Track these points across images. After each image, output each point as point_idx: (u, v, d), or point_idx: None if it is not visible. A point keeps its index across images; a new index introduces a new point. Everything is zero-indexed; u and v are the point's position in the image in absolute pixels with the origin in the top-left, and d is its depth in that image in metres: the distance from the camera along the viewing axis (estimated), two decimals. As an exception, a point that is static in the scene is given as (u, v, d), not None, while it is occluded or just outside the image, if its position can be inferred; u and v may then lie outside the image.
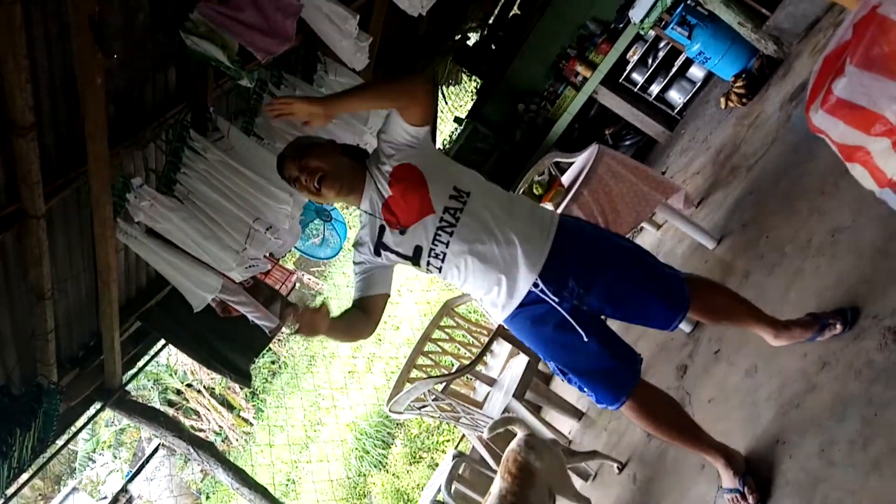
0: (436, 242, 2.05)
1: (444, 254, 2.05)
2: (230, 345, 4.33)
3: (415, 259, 2.09)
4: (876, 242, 2.30)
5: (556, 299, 2.05)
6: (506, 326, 2.22)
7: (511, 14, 7.60)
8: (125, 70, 3.02)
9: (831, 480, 1.83)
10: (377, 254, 2.13)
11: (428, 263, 2.09)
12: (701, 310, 2.24)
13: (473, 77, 8.17)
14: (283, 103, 1.98)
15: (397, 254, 2.11)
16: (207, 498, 12.40)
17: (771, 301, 2.72)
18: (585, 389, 2.16)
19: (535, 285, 2.05)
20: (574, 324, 2.06)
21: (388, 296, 2.21)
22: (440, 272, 2.11)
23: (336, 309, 2.08)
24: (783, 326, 2.26)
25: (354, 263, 2.21)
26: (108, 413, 5.61)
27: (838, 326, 2.15)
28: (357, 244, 2.20)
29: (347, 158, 2.15)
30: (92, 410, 4.47)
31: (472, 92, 8.37)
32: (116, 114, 3.09)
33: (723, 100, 4.95)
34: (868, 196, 2.44)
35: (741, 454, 2.21)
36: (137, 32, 2.93)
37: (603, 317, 2.22)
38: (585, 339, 2.07)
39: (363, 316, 2.16)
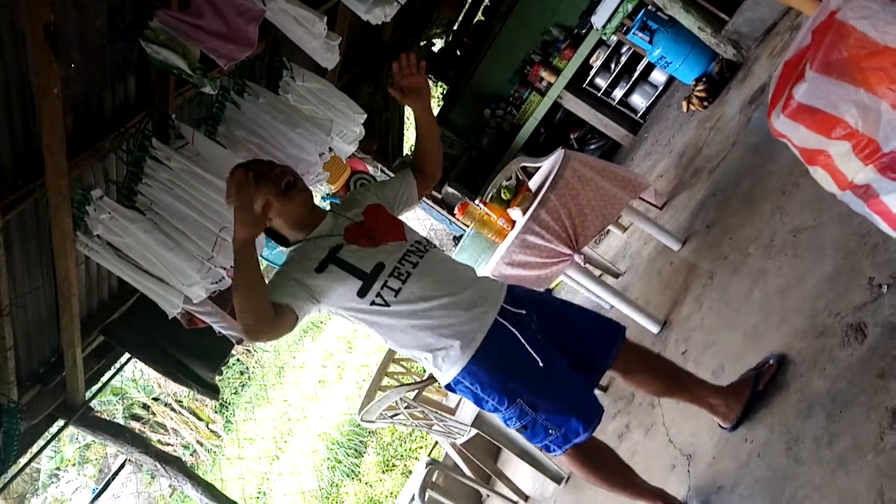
0: (403, 262, 1.96)
1: (409, 274, 1.95)
2: (195, 357, 4.25)
3: (370, 276, 1.93)
4: (837, 240, 2.34)
5: (522, 312, 2.02)
6: (460, 379, 1.99)
7: (475, 20, 7.63)
8: (83, 79, 2.96)
9: (799, 478, 1.85)
10: (320, 269, 1.94)
11: (384, 284, 1.93)
12: (644, 368, 2.21)
13: (439, 83, 8.18)
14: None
15: (351, 269, 1.94)
16: (176, 513, 12.16)
17: (735, 300, 2.77)
18: (547, 431, 2.00)
19: (500, 313, 1.99)
20: (535, 348, 1.97)
21: (296, 320, 1.92)
22: (396, 296, 1.93)
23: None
24: (721, 394, 2.23)
25: (281, 271, 2.02)
26: (71, 429, 5.48)
27: (772, 362, 2.19)
28: (290, 262, 2.03)
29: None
30: (55, 428, 4.36)
31: (438, 98, 8.38)
32: (75, 124, 3.02)
33: (684, 103, 5.03)
34: (828, 195, 2.48)
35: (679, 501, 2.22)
36: (95, 41, 2.87)
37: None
38: (541, 364, 1.96)
39: (264, 302, 1.87)
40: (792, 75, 1.48)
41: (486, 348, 1.96)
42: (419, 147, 2.23)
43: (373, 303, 1.94)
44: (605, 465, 2.15)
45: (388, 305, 1.94)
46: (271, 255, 5.90)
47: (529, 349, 1.96)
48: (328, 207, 2.19)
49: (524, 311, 2.02)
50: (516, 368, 1.97)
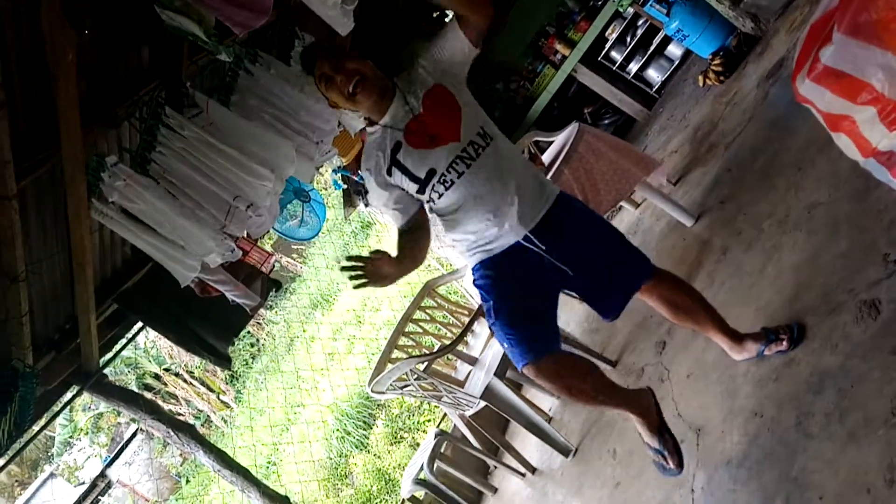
0: (450, 170, 2.08)
1: (453, 182, 2.09)
2: (208, 326, 4.28)
3: (424, 182, 2.11)
4: (851, 217, 2.33)
5: (543, 247, 2.11)
6: (477, 268, 2.22)
7: (490, -8, 7.54)
8: (97, 46, 2.95)
9: (808, 452, 1.86)
10: (389, 173, 2.15)
11: (433, 188, 2.12)
12: (666, 302, 2.29)
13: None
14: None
15: (408, 174, 2.12)
16: (187, 482, 12.36)
17: (748, 276, 2.76)
18: (508, 342, 2.19)
19: (525, 238, 2.11)
20: (554, 264, 2.13)
21: (423, 203, 2.21)
22: (439, 198, 2.13)
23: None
24: (740, 339, 2.31)
25: (382, 196, 2.20)
26: (85, 398, 5.55)
27: (784, 343, 2.19)
28: (373, 174, 2.19)
29: (377, 68, 2.16)
30: (69, 394, 4.42)
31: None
32: (89, 91, 3.02)
33: (701, 78, 4.96)
34: (844, 171, 2.48)
35: (652, 402, 2.24)
36: (109, 7, 2.86)
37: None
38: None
39: (415, 235, 2.21)
40: (818, 38, 1.45)
41: (493, 260, 2.16)
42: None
43: (430, 199, 2.16)
44: (566, 379, 2.18)
45: (440, 197, 2.14)
46: (283, 228, 5.92)
47: (521, 272, 2.14)
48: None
49: (545, 247, 2.11)
50: (506, 282, 2.16)
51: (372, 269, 2.03)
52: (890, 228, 2.10)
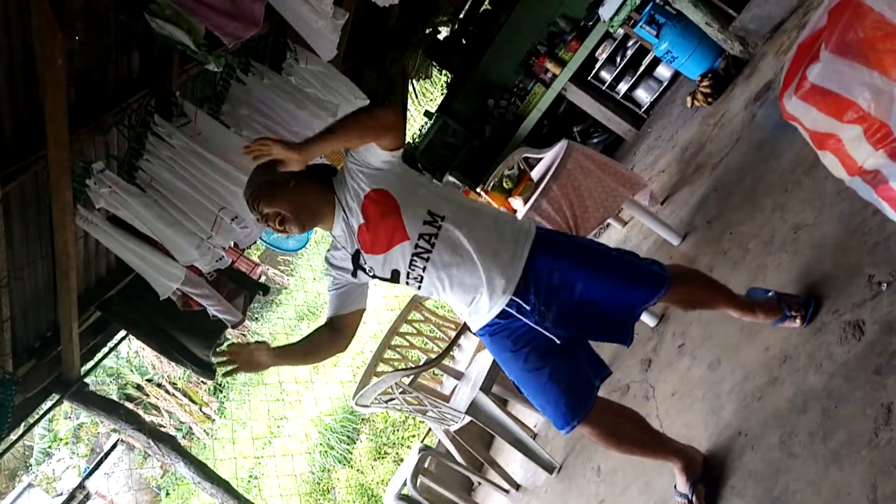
0: (412, 267, 2.05)
1: (422, 276, 2.07)
2: (191, 336, 4.25)
3: (393, 279, 2.10)
4: (837, 238, 2.34)
5: (521, 315, 2.07)
6: (479, 334, 2.20)
7: (482, 9, 7.60)
8: (87, 52, 2.94)
9: (792, 471, 1.86)
10: (354, 275, 2.14)
11: (407, 283, 2.11)
12: (680, 302, 2.31)
13: (444, 71, 8.15)
14: (262, 145, 1.88)
15: (375, 276, 2.13)
16: (167, 494, 12.20)
17: (734, 296, 2.77)
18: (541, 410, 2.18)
19: (510, 304, 2.06)
20: (541, 330, 2.07)
21: (365, 309, 2.23)
22: (420, 290, 2.13)
23: (284, 336, 2.14)
24: (749, 308, 2.30)
25: (330, 277, 2.20)
26: (65, 407, 5.47)
27: (798, 321, 2.20)
28: (330, 263, 2.18)
29: (308, 187, 2.07)
30: (49, 403, 4.36)
31: (442, 86, 8.34)
32: (77, 97, 3.01)
33: (689, 99, 5.01)
34: (829, 194, 2.51)
35: (700, 459, 2.22)
36: (100, 13, 2.85)
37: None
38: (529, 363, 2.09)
39: (331, 335, 2.19)
40: (806, 56, 1.46)
41: (488, 331, 2.13)
42: None
43: (407, 283, 2.12)
44: (621, 435, 2.16)
45: (419, 289, 2.14)
46: (270, 240, 5.90)
47: (515, 349, 2.11)
48: None
49: (530, 304, 2.04)
50: (505, 358, 2.15)
51: (247, 359, 2.04)
52: (874, 250, 2.11)
